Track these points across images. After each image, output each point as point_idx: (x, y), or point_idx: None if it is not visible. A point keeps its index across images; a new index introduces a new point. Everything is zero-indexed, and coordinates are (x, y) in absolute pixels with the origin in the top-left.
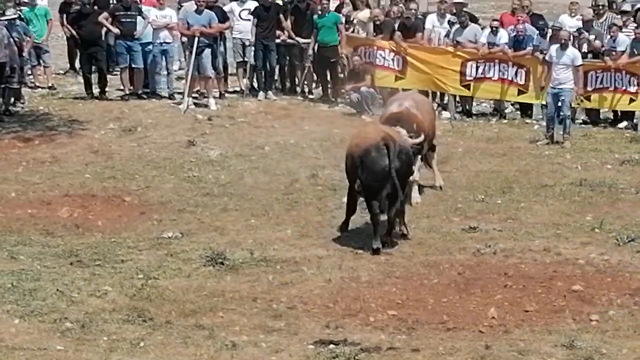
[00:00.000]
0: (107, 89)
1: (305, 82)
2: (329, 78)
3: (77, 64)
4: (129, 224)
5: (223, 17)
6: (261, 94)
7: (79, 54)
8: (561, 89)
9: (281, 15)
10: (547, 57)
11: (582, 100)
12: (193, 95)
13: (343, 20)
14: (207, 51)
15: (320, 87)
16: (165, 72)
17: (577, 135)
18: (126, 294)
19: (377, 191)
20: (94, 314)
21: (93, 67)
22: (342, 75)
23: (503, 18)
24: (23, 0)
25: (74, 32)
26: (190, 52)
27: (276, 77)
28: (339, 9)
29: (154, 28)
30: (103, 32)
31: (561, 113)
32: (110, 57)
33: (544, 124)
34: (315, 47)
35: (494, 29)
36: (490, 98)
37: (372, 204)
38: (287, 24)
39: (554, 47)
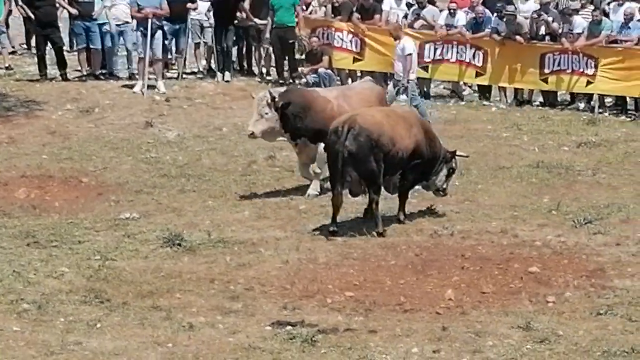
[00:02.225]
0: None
1: (263, 64)
2: (285, 59)
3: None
4: (86, 205)
5: None
6: (219, 75)
7: (34, 34)
8: (398, 80)
9: None
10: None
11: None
12: (150, 77)
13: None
14: (159, 33)
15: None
16: (125, 53)
17: (535, 117)
18: (83, 275)
19: (332, 173)
20: (51, 295)
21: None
22: (299, 57)
23: (459, 1)
24: None
25: (29, 13)
26: (143, 35)
27: (234, 59)
28: None
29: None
30: (59, 12)
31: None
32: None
33: (502, 106)
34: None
35: (452, 10)
36: (448, 80)
37: (332, 185)
38: (245, 5)
39: None
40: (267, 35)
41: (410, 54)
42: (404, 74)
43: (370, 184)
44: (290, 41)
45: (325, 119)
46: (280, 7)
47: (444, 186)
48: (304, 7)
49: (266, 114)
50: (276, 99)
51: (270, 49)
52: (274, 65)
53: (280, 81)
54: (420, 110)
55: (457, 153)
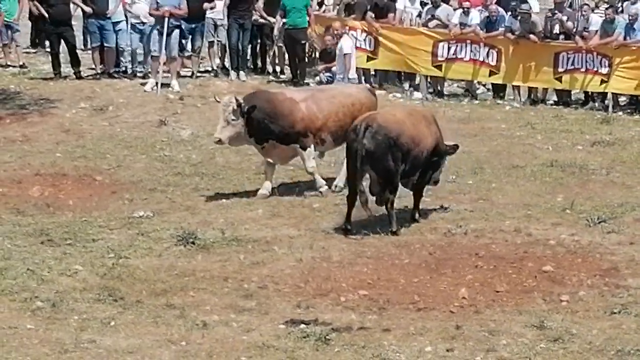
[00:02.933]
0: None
1: (277, 62)
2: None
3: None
4: (100, 203)
5: None
6: (233, 74)
7: (46, 33)
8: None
9: None
10: None
11: None
12: (164, 75)
13: (316, 3)
14: (176, 32)
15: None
16: (142, 52)
17: (549, 116)
18: (97, 273)
19: (351, 172)
20: (65, 293)
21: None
22: (310, 57)
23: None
24: None
25: (42, 11)
26: (160, 33)
27: (248, 57)
28: None
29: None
30: (73, 10)
31: None
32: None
33: (516, 105)
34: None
35: (465, 9)
36: (462, 79)
37: (350, 183)
38: (259, 4)
39: None
40: (276, 32)
41: (348, 54)
42: (343, 73)
43: (387, 182)
44: (302, 42)
45: (293, 121)
46: (292, 8)
47: (439, 176)
48: (317, 6)
49: (232, 119)
50: (242, 105)
51: (284, 47)
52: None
53: (294, 80)
54: None
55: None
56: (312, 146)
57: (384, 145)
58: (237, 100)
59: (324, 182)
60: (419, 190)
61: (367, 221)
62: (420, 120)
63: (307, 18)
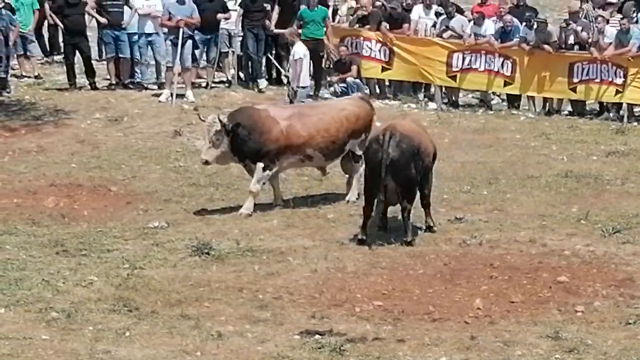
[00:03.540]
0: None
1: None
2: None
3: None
4: (115, 213)
5: (223, 8)
6: (254, 85)
7: (62, 43)
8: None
9: (268, 5)
10: None
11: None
12: (178, 86)
13: (330, 14)
14: (189, 42)
15: None
16: (153, 63)
17: (563, 126)
18: (112, 284)
19: (372, 182)
20: (80, 303)
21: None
22: (325, 68)
23: (485, 9)
24: None
25: (58, 22)
26: (173, 44)
27: (263, 68)
28: (324, 1)
29: (140, 15)
30: (88, 21)
31: None
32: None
33: (531, 115)
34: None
35: (476, 19)
36: (477, 89)
37: (370, 195)
38: (274, 15)
39: None
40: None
41: (299, 59)
42: (294, 80)
43: (407, 191)
44: (321, 54)
45: (266, 140)
46: (311, 20)
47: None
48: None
49: (217, 140)
50: (226, 124)
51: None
52: None
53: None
54: None
55: None
56: (269, 172)
57: (408, 154)
58: (220, 120)
59: (252, 208)
60: (428, 198)
61: (382, 232)
62: (425, 131)
63: (324, 30)
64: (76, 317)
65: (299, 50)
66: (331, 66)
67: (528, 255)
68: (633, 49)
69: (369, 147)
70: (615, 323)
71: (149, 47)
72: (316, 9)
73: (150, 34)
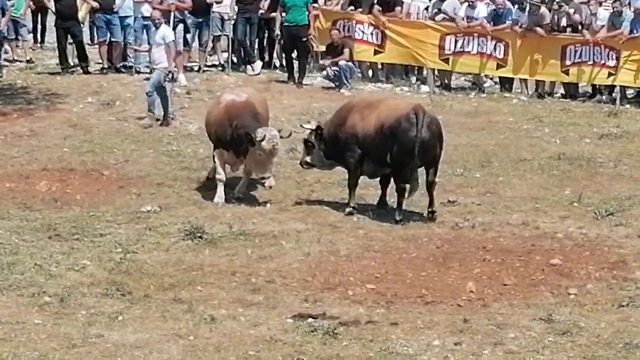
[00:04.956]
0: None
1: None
2: (294, 56)
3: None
4: (108, 197)
5: None
6: (249, 68)
7: (55, 27)
8: (155, 68)
9: None
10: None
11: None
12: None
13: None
14: (180, 26)
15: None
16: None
17: (556, 109)
18: (105, 268)
19: (407, 162)
20: (73, 287)
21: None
22: (309, 55)
23: None
24: None
25: (49, 6)
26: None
27: (255, 51)
28: None
29: (136, 1)
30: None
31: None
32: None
33: (523, 98)
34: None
35: (471, 2)
36: (469, 72)
37: (401, 174)
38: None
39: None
40: (277, 32)
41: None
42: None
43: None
44: (303, 39)
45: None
46: (293, 5)
47: None
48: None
49: None
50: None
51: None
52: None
53: (290, 78)
54: (148, 101)
55: None
56: (218, 158)
57: (438, 133)
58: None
59: (223, 197)
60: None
61: (375, 214)
62: None
63: (307, 15)
64: (69, 301)
65: (168, 34)
66: (313, 50)
67: (521, 238)
68: (625, 31)
69: (399, 126)
70: (608, 305)
71: (144, 31)
72: None
73: (146, 18)
